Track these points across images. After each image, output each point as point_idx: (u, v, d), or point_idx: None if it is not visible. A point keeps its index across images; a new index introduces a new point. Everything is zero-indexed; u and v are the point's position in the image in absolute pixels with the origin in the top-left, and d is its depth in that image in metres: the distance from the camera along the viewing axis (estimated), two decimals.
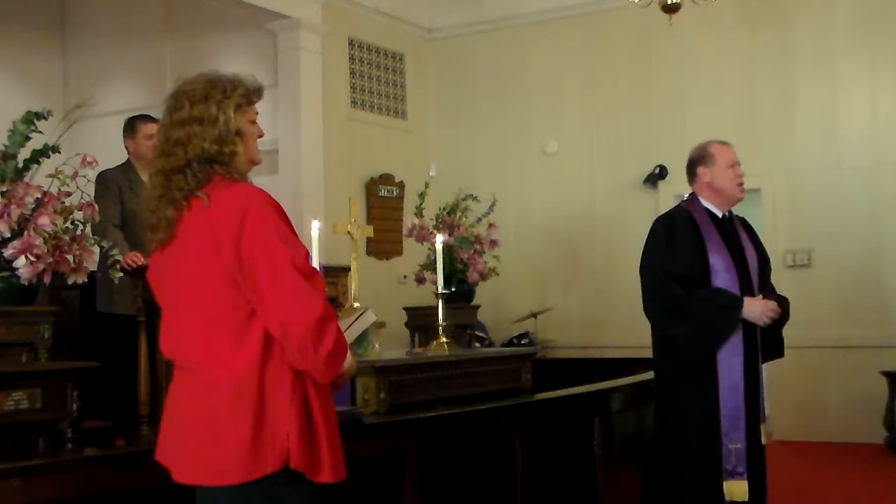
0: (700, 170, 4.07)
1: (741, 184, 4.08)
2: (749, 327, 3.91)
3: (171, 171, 2.29)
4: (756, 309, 3.88)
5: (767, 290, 4.08)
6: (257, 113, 2.43)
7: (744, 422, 3.85)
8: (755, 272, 4.05)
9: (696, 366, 3.87)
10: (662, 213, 4.25)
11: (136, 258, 4.26)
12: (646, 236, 4.09)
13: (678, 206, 4.17)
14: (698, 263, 3.91)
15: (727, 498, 3.82)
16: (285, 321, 2.18)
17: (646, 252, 4.04)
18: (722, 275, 3.91)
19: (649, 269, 3.98)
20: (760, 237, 9.02)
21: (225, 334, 2.23)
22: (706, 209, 4.06)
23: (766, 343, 4.02)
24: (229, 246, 2.20)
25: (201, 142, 2.28)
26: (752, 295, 3.95)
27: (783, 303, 4.01)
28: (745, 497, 3.83)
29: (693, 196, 4.12)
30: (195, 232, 2.26)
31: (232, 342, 2.23)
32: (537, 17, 9.19)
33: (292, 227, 2.29)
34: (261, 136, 2.44)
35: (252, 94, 2.39)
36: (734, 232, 4.08)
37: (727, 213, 4.11)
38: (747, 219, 4.32)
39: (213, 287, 2.24)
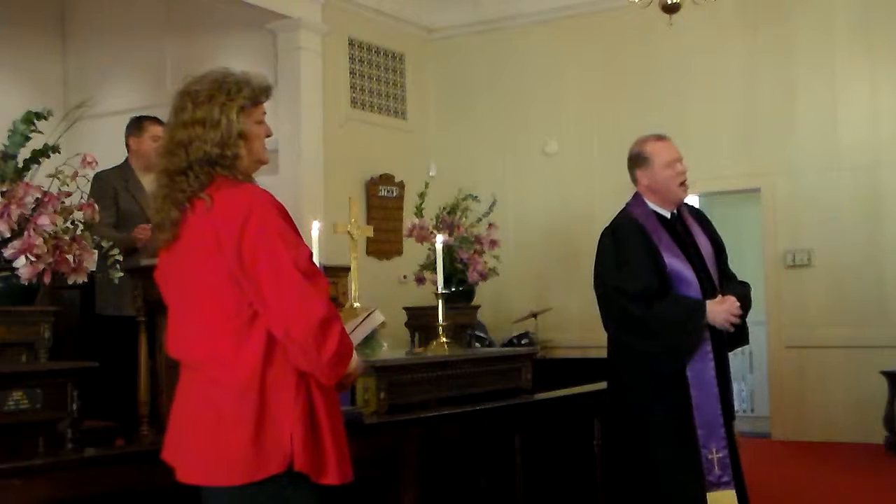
0: (638, 173, 3.85)
1: (683, 182, 3.83)
2: (712, 327, 3.72)
3: (174, 171, 2.29)
4: (719, 314, 3.67)
5: (727, 279, 3.89)
6: (265, 113, 2.42)
7: (723, 429, 3.68)
8: (713, 266, 3.84)
9: (664, 380, 3.69)
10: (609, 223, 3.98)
11: (145, 230, 4.34)
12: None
13: (623, 211, 3.93)
14: (655, 273, 3.72)
15: None
16: (287, 323, 2.18)
17: (596, 269, 3.84)
18: (682, 279, 3.72)
19: (602, 287, 3.80)
20: (760, 237, 8.99)
21: (228, 335, 2.23)
22: (653, 211, 3.84)
23: (730, 333, 3.80)
24: (232, 247, 2.20)
25: (203, 144, 2.28)
26: (714, 291, 3.76)
27: (744, 290, 3.83)
28: None
29: (637, 198, 3.90)
30: (199, 233, 2.26)
31: (235, 343, 2.23)
32: (537, 17, 9.19)
33: (295, 228, 2.29)
34: (268, 135, 2.43)
35: (259, 95, 2.37)
36: (685, 230, 3.88)
37: (675, 212, 3.90)
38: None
39: (216, 288, 2.24)
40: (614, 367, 3.92)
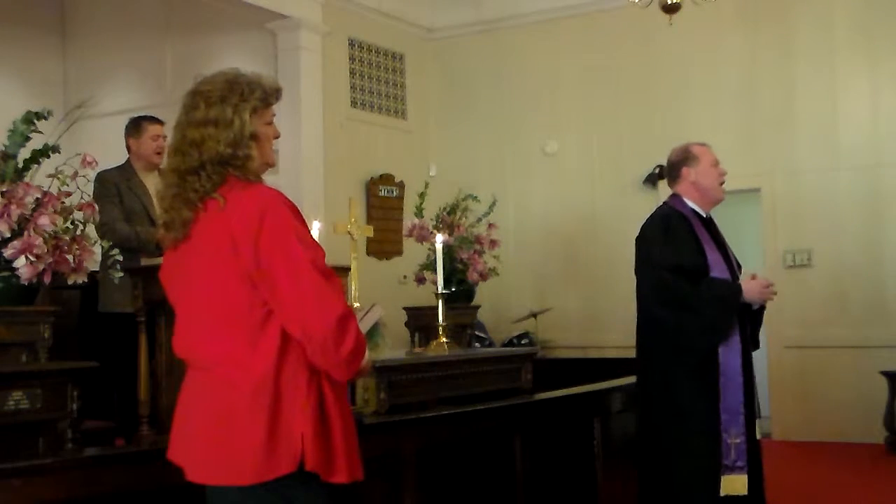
0: (685, 170, 4.09)
1: (722, 183, 4.12)
2: (740, 321, 3.93)
3: (186, 171, 2.29)
4: (754, 289, 3.92)
5: None
6: (274, 114, 2.42)
7: (743, 417, 3.86)
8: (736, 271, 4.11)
9: (700, 363, 3.85)
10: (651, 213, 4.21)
11: None
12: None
13: (665, 205, 4.15)
14: (698, 261, 3.92)
15: (724, 492, 3.81)
16: (306, 322, 2.18)
17: (643, 251, 4.03)
18: (718, 273, 3.94)
19: (650, 267, 3.95)
20: (760, 237, 9.06)
21: (241, 335, 2.23)
22: (692, 209, 4.08)
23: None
24: (248, 248, 2.20)
25: (216, 144, 2.27)
26: None
27: None
28: (745, 491, 3.84)
29: (676, 197, 4.12)
30: (212, 234, 2.26)
31: (248, 343, 2.23)
32: (537, 17, 9.19)
33: (308, 228, 2.29)
34: (277, 136, 2.43)
35: (270, 96, 2.38)
36: (716, 231, 4.12)
37: (709, 214, 4.15)
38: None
39: (230, 288, 2.24)
40: (656, 358, 4.00)
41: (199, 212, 2.28)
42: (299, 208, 2.32)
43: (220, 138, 2.28)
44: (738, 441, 3.85)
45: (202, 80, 2.37)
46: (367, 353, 2.35)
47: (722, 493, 3.82)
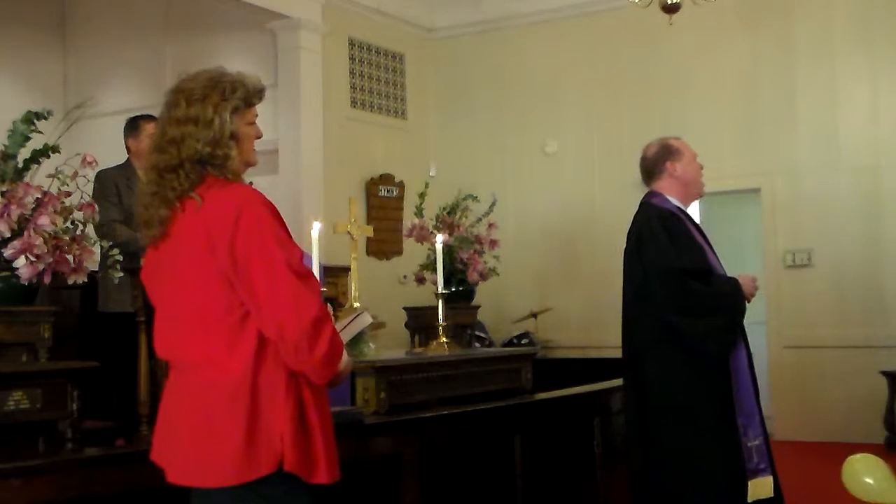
0: (669, 165, 3.97)
1: (701, 177, 4.06)
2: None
3: (165, 168, 2.29)
4: (749, 284, 3.85)
5: None
6: (257, 115, 2.41)
7: (759, 417, 3.82)
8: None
9: (713, 365, 3.75)
10: (639, 216, 4.01)
11: None
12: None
13: (651, 205, 3.97)
14: (702, 260, 3.85)
15: (752, 497, 3.73)
16: (280, 323, 2.17)
17: (650, 255, 3.84)
18: (717, 268, 3.91)
19: (661, 271, 3.77)
20: (760, 237, 9.04)
21: (219, 336, 2.23)
22: (676, 206, 3.97)
23: None
24: (224, 248, 2.19)
25: (195, 142, 2.27)
26: None
27: None
28: (771, 493, 3.79)
29: (657, 195, 3.98)
30: (189, 233, 2.25)
31: (226, 344, 2.22)
32: (537, 17, 9.19)
33: (286, 228, 2.28)
34: (258, 137, 2.42)
35: (252, 96, 2.37)
36: (698, 227, 4.04)
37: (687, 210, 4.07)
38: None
39: (207, 289, 2.23)
40: (668, 363, 3.86)
41: (176, 211, 2.28)
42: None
43: (200, 137, 2.27)
44: (756, 443, 3.78)
45: (185, 77, 2.36)
46: (346, 356, 2.34)
47: (750, 499, 3.72)
